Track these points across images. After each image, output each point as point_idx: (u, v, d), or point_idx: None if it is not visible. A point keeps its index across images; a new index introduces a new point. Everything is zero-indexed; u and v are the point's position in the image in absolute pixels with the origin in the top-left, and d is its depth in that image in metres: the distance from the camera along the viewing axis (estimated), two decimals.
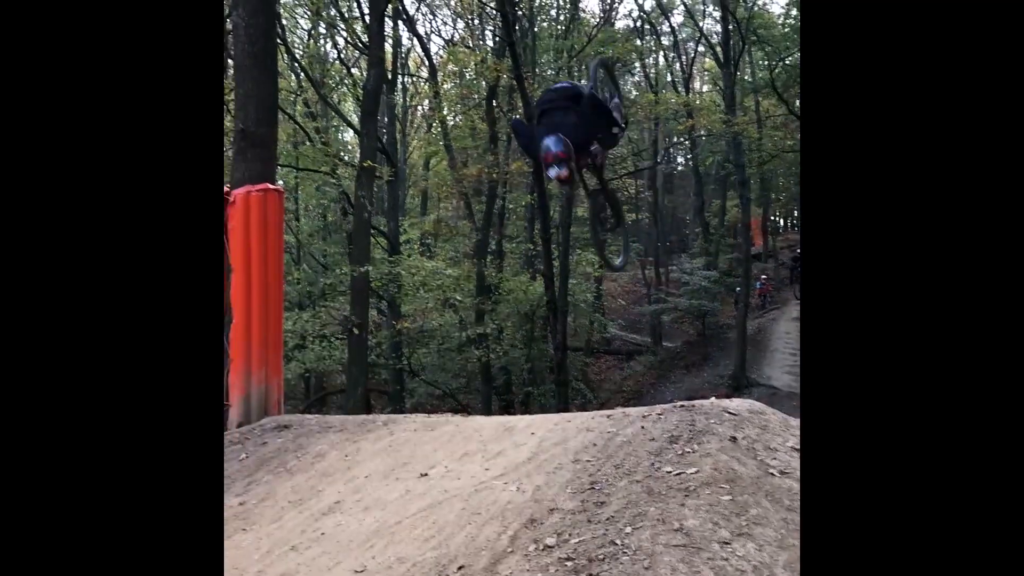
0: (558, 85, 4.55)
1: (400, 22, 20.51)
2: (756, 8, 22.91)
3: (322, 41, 23.44)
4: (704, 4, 28.50)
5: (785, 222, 43.67)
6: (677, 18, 29.27)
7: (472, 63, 20.24)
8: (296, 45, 21.85)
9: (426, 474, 4.33)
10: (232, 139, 8.61)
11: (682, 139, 29.50)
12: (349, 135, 25.72)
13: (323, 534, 3.94)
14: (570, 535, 3.08)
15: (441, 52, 24.15)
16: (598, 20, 24.16)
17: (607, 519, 3.14)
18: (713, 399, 4.45)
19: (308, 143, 19.35)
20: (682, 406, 4.30)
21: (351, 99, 23.90)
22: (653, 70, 30.13)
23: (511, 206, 23.07)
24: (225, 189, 7.37)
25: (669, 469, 3.48)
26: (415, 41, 23.50)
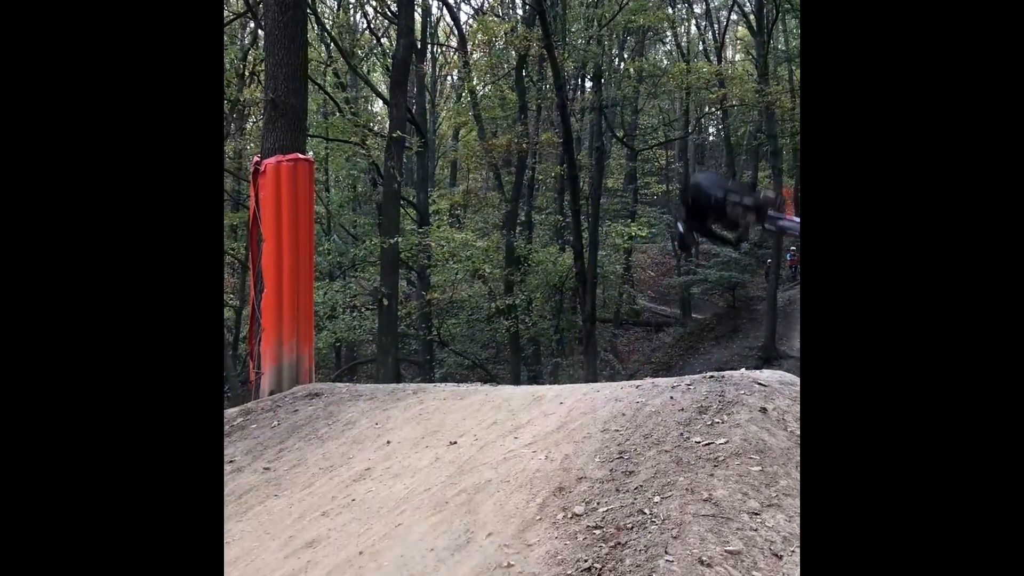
0: None
1: None
2: None
3: (352, 11, 23.35)
4: None
5: None
6: None
7: (502, 32, 20.06)
8: (326, 15, 21.79)
9: (455, 442, 4.36)
10: (262, 109, 8.65)
11: (714, 109, 29.08)
12: (379, 105, 25.69)
13: (354, 500, 3.99)
14: (598, 504, 3.09)
15: (471, 21, 23.96)
16: None
17: (635, 488, 3.14)
18: (743, 370, 4.43)
19: (338, 114, 19.36)
20: (712, 377, 4.28)
21: (380, 69, 23.84)
22: (685, 39, 29.69)
23: (540, 177, 22.98)
24: (255, 159, 7.42)
25: (698, 439, 3.47)
26: (444, 10, 23.35)
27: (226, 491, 4.71)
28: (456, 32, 22.13)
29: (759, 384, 4.03)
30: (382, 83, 23.20)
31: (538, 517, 3.11)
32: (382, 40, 22.87)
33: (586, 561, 2.70)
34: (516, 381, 17.06)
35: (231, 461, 5.16)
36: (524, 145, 18.61)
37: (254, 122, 21.55)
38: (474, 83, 21.38)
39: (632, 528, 2.84)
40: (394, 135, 14.77)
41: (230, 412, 6.26)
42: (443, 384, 6.45)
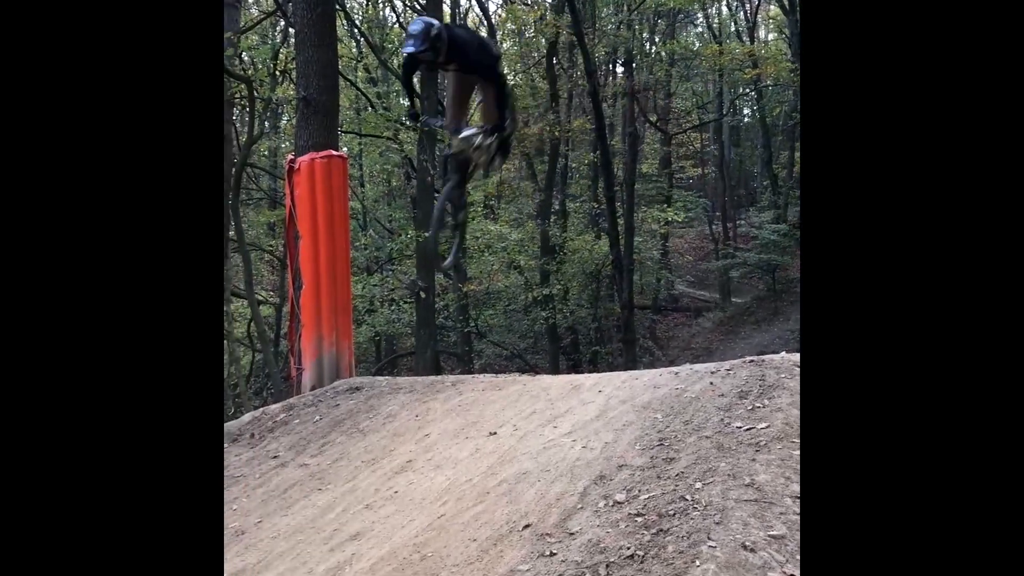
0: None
1: None
2: None
3: (380, 5, 23.40)
4: None
5: None
6: None
7: (531, 20, 19.96)
8: (355, 11, 21.86)
9: (495, 433, 4.37)
10: (295, 107, 8.71)
11: (748, 90, 28.68)
12: None
13: (396, 492, 4.02)
14: (639, 491, 3.08)
15: (499, 11, 23.89)
16: None
17: (676, 475, 3.13)
18: (784, 354, 4.38)
19: (370, 109, 19.43)
20: (752, 361, 4.24)
21: None
22: (716, 20, 29.31)
23: (574, 165, 22.84)
24: (289, 157, 7.48)
25: (739, 424, 3.44)
26: (473, 0, 23.32)
27: (271, 486, 4.77)
28: (485, 22, 22.06)
29: (800, 367, 3.99)
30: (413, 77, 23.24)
31: (579, 506, 3.11)
32: None
33: (629, 548, 2.69)
34: (555, 370, 17.05)
35: (275, 456, 5.23)
36: (556, 133, 18.51)
37: (287, 120, 21.70)
38: (504, 72, 21.30)
39: (674, 515, 2.82)
40: (426, 128, 14.80)
41: (273, 408, 6.35)
42: (481, 375, 6.47)
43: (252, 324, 14.91)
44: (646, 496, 3.01)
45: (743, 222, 27.04)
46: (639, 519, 2.86)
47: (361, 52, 20.92)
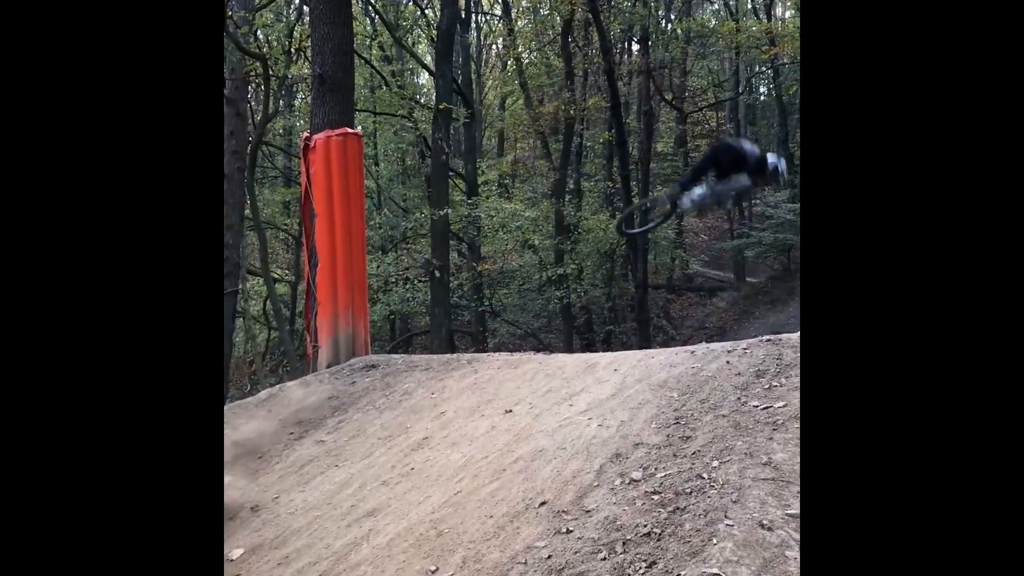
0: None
1: None
2: None
3: None
4: None
5: None
6: None
7: None
8: None
9: (511, 411, 4.38)
10: (310, 85, 8.71)
11: (764, 68, 28.40)
12: (424, 78, 25.61)
13: (412, 469, 4.04)
14: (656, 469, 3.08)
15: None
16: None
17: (693, 453, 3.12)
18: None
19: (385, 87, 19.38)
20: (768, 340, 4.22)
21: (425, 41, 23.77)
22: None
23: (589, 144, 22.73)
24: (304, 135, 7.48)
25: (756, 403, 3.43)
26: None
27: (288, 462, 4.81)
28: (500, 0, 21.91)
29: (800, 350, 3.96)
30: (427, 55, 23.10)
31: (596, 483, 3.12)
32: (426, 11, 22.77)
33: (646, 526, 2.69)
34: (569, 350, 17.06)
35: (291, 432, 5.26)
36: (571, 112, 18.42)
37: (302, 98, 21.68)
38: (519, 51, 21.16)
39: (691, 493, 2.82)
40: (441, 107, 14.79)
41: (290, 385, 6.38)
42: (497, 353, 6.48)
43: (268, 302, 14.97)
44: (663, 474, 3.02)
45: (758, 201, 26.83)
46: (656, 497, 2.86)
47: (376, 30, 20.82)
